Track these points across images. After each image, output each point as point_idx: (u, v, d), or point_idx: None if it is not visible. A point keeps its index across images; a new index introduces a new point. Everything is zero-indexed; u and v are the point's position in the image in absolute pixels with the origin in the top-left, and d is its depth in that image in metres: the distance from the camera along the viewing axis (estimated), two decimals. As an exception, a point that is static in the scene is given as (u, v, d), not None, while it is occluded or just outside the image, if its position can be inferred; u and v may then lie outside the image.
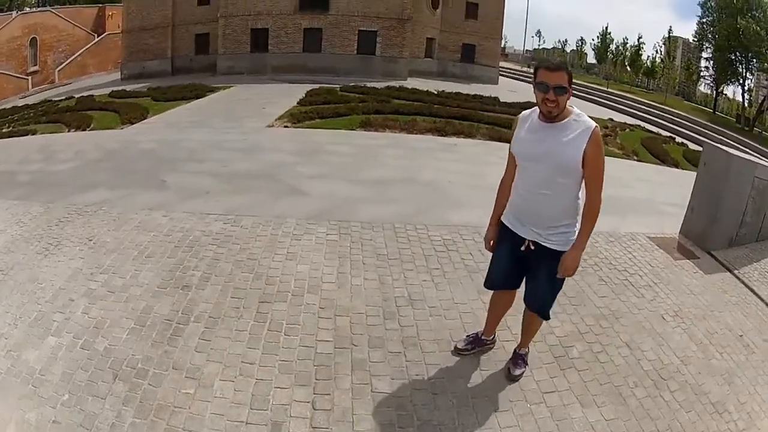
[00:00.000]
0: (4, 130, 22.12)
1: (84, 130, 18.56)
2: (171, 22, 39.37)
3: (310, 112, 17.86)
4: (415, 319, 5.29)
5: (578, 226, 3.71)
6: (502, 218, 4.04)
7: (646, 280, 6.53)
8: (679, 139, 27.12)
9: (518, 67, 66.13)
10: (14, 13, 46.32)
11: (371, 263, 6.42)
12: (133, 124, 18.62)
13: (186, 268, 6.53)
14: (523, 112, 3.88)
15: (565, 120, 3.52)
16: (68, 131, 18.85)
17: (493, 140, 14.84)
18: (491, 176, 11.49)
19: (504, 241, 4.03)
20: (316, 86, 25.95)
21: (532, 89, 3.61)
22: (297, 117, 17.98)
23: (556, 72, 3.41)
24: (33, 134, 19.15)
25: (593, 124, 3.50)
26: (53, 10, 49.06)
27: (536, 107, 3.66)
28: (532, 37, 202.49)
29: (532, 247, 3.79)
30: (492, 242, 4.16)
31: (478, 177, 10.71)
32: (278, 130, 16.95)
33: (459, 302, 5.63)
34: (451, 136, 15.23)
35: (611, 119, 26.98)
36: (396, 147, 13.75)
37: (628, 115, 35.98)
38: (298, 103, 20.85)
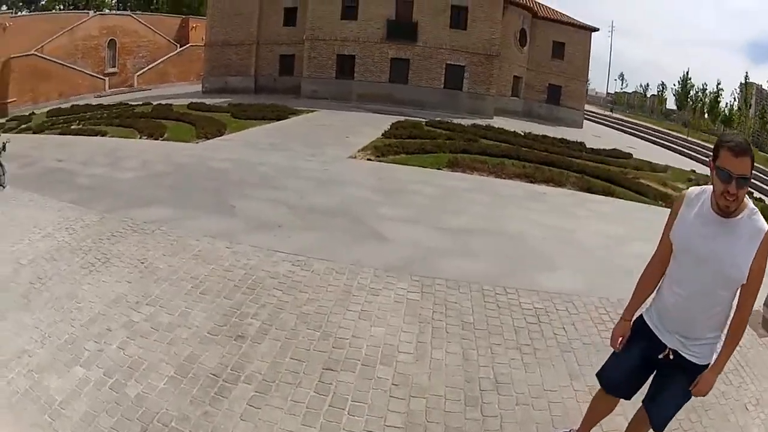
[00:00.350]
0: (73, 127, 23.97)
1: (156, 139, 19.66)
2: (255, 40, 42.20)
3: (395, 146, 18.20)
4: (499, 408, 4.98)
5: (723, 337, 3.51)
6: (645, 316, 3.81)
7: (733, 362, 6.04)
8: (756, 194, 25.64)
9: (600, 111, 68.84)
10: (91, 12, 51.41)
11: (455, 332, 6.18)
12: (208, 139, 19.51)
13: (244, 314, 6.34)
14: (691, 190, 3.59)
15: (740, 216, 3.27)
16: (140, 138, 20.06)
17: (583, 191, 14.74)
18: (583, 233, 11.05)
19: (638, 341, 3.79)
20: (402, 119, 26.40)
21: (709, 171, 3.34)
22: (381, 150, 18.14)
23: (741, 157, 3.10)
24: (103, 136, 20.53)
25: (766, 225, 3.23)
26: (134, 15, 54.16)
27: (705, 187, 3.47)
28: (615, 80, 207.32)
29: (671, 357, 3.59)
30: (621, 340, 3.88)
31: (570, 233, 10.71)
32: (361, 162, 17.11)
33: (549, 389, 5.34)
34: (540, 183, 15.44)
35: (693, 171, 26.39)
36: (482, 192, 13.90)
37: (706, 165, 34.96)
38: (382, 134, 21.20)
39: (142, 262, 7.52)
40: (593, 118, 56.49)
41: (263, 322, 6.18)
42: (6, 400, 4.58)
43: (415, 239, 9.40)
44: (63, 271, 6.89)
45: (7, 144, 14.61)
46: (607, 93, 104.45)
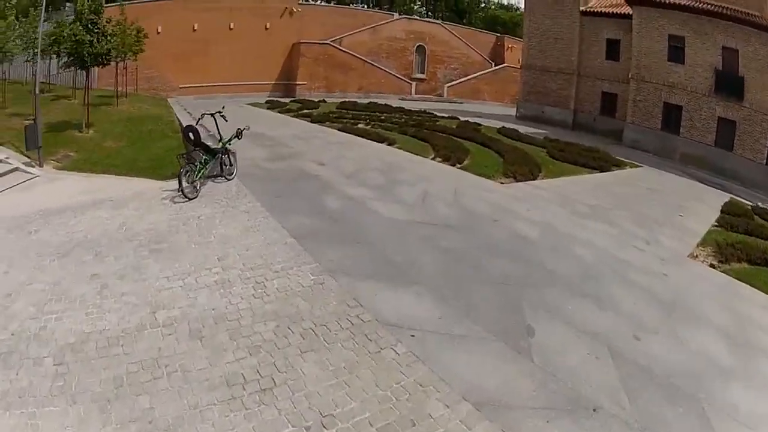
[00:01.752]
0: (359, 126, 21.79)
1: (453, 164, 15.99)
2: (575, 71, 37.17)
3: (738, 248, 12.08)
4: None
5: None
6: None
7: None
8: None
9: None
10: (396, 14, 51.13)
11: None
12: (517, 180, 15.12)
13: None
14: None
15: None
16: (432, 158, 16.61)
17: None
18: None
19: None
20: (726, 197, 18.51)
21: None
22: (723, 251, 11.78)
23: None
24: (390, 145, 17.78)
25: None
26: (444, 25, 52.95)
27: None
28: None
29: None
30: None
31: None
32: (702, 269, 11.08)
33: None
34: None
35: None
36: None
37: None
38: (717, 223, 14.32)
39: None
40: None
41: None
42: None
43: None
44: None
45: (244, 131, 12.69)
46: None
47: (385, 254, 8.50)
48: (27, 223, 10.35)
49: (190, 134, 11.63)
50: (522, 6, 45.17)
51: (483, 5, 73.67)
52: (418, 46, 48.12)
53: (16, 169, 14.95)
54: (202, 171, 11.31)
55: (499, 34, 56.85)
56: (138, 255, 8.20)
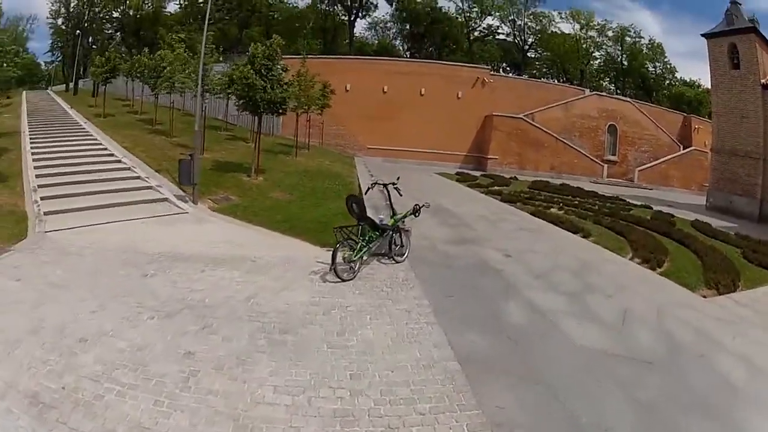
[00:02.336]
0: (552, 210, 18.96)
1: (652, 268, 12.65)
2: (762, 155, 30.68)
3: None
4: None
5: None
6: None
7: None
8: None
9: None
10: (586, 90, 47.14)
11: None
12: (719, 292, 11.50)
13: None
14: None
15: None
16: (629, 258, 13.33)
17: None
18: None
19: None
20: None
21: None
22: None
23: None
24: (585, 237, 14.74)
25: None
26: (634, 103, 47.90)
27: None
28: None
29: None
30: None
31: None
32: None
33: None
34: None
35: None
36: None
37: None
38: None
39: None
40: None
41: None
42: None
43: None
44: None
45: (423, 207, 10.70)
46: None
47: (569, 407, 5.70)
48: (147, 263, 9.53)
49: (354, 206, 9.82)
50: (706, 82, 39.77)
51: (668, 82, 67.19)
52: (609, 126, 44.18)
53: (166, 199, 14.86)
54: (363, 250, 9.33)
55: (685, 114, 51.20)
56: (253, 343, 6.50)
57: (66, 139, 21.66)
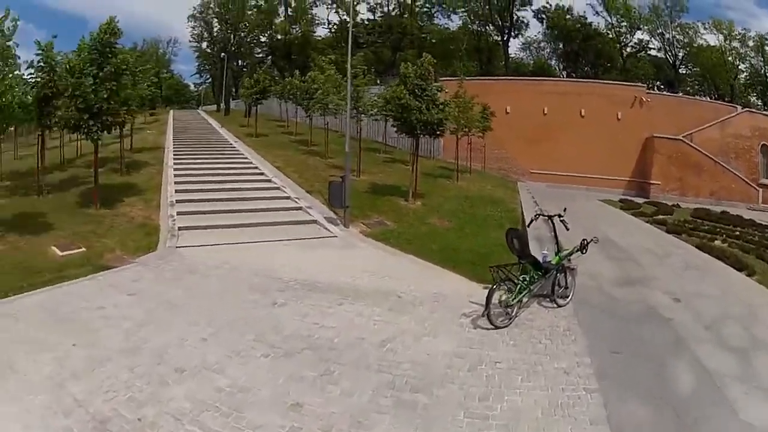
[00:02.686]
0: (716, 242, 16.64)
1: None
2: None
3: None
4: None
5: None
6: None
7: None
8: None
9: None
10: (738, 107, 41.61)
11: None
12: None
13: None
14: None
15: None
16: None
17: None
18: None
19: None
20: None
21: None
22: None
23: None
24: (749, 275, 12.65)
25: None
26: None
27: None
28: None
29: None
30: None
31: None
32: None
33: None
34: None
35: None
36: None
37: None
38: None
39: None
40: None
41: None
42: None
43: None
44: None
45: (591, 243, 9.18)
46: None
47: None
48: (279, 290, 8.99)
49: (515, 241, 8.49)
50: None
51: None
52: (761, 146, 39.14)
53: (315, 222, 14.43)
54: (523, 292, 8.06)
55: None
56: (376, 400, 5.54)
57: (213, 156, 22.17)
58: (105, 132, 13.53)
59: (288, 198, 16.06)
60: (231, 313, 7.71)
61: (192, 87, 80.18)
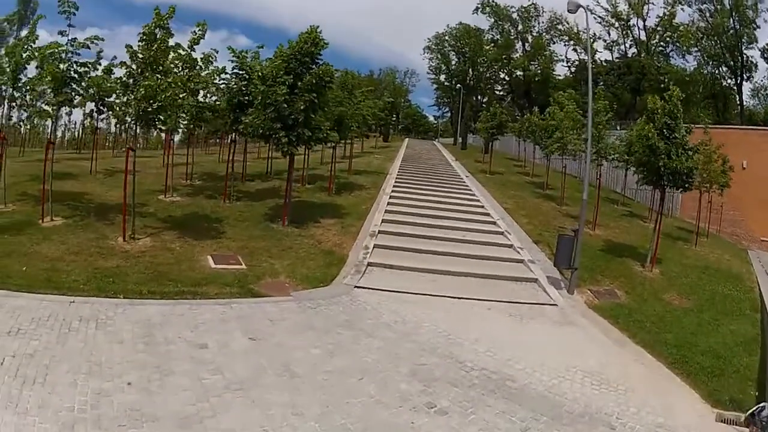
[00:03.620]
0: None
1: None
2: None
3: None
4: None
5: None
6: None
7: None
8: None
9: None
10: None
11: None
12: None
13: None
14: None
15: None
16: None
17: None
18: None
19: None
20: None
21: None
22: None
23: None
24: None
25: None
26: None
27: None
28: None
29: None
30: None
31: None
32: None
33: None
34: None
35: None
36: None
37: None
38: None
39: None
40: None
41: None
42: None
43: None
44: None
45: None
46: None
47: None
48: (451, 384, 6.27)
49: None
50: None
51: None
52: None
53: (535, 281, 11.49)
54: None
55: None
56: None
57: (437, 188, 20.11)
58: (302, 147, 12.53)
59: (510, 246, 13.38)
60: (357, 410, 5.29)
61: (431, 119, 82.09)
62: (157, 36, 10.12)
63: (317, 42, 11.68)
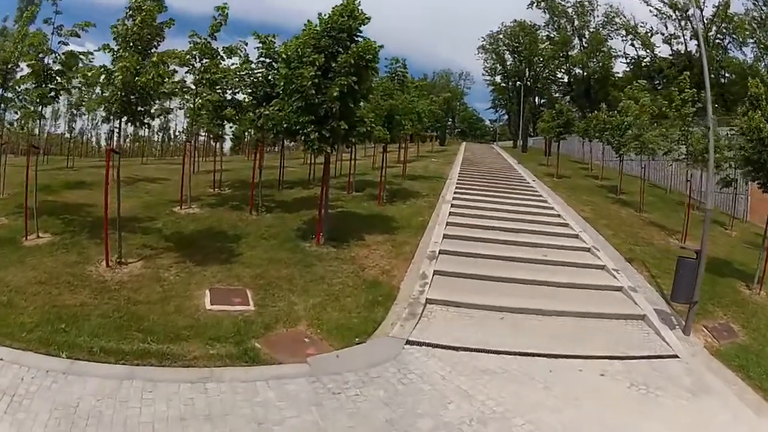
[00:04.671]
0: None
1: None
2: None
3: None
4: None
5: None
6: None
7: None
8: None
9: None
10: None
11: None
12: None
13: None
14: None
15: None
16: None
17: None
18: None
19: None
20: None
21: None
22: None
23: None
24: None
25: None
26: None
27: None
28: None
29: None
30: None
31: None
32: None
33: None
34: None
35: None
36: None
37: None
38: None
39: None
40: None
41: None
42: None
43: None
44: None
45: None
46: None
47: None
48: None
49: None
50: None
51: None
52: None
53: (642, 318, 8.28)
54: None
55: None
56: None
57: (504, 194, 17.14)
58: (339, 145, 9.90)
59: (602, 268, 10.23)
60: None
61: (487, 123, 78.86)
62: (143, 8, 7.48)
63: (355, 14, 8.77)
